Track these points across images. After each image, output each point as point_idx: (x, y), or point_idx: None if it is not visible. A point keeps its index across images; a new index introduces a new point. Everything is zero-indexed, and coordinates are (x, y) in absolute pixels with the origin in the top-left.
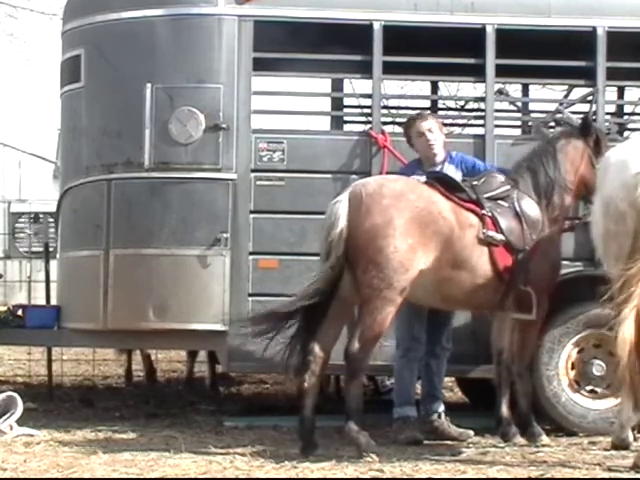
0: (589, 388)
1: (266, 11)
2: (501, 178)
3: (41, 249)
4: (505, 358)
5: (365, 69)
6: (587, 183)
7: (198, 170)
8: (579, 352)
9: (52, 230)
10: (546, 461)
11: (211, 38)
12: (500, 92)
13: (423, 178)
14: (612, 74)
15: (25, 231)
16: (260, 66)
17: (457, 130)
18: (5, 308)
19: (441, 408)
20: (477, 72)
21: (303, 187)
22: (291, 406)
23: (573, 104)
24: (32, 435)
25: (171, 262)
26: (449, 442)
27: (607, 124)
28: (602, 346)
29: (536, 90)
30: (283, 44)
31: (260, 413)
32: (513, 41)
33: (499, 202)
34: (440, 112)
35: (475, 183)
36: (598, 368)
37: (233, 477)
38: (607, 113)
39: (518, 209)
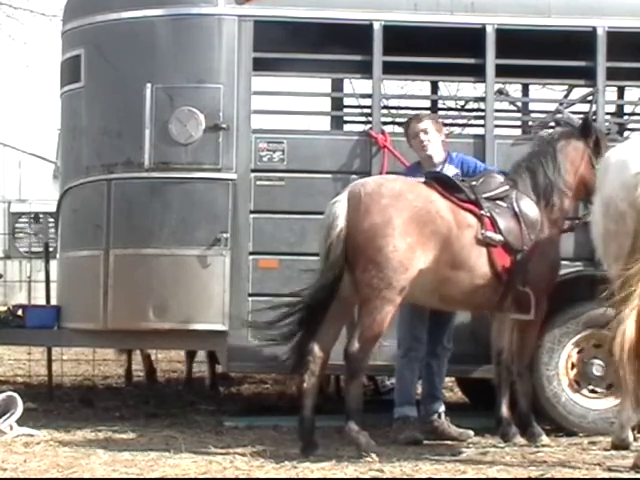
0: (589, 388)
1: (266, 11)
2: (500, 178)
3: (41, 249)
4: (505, 358)
5: (365, 69)
6: (587, 184)
7: (198, 170)
8: (579, 352)
9: (52, 230)
10: (546, 461)
11: (211, 38)
12: (500, 92)
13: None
14: (612, 74)
15: (25, 231)
16: (260, 66)
17: (457, 130)
18: (5, 308)
19: (441, 408)
20: (477, 72)
21: (303, 187)
22: (291, 406)
23: (573, 104)
24: (32, 435)
25: (171, 262)
26: (449, 442)
27: (607, 124)
28: (602, 346)
29: (536, 90)
30: (283, 44)
31: (260, 413)
32: (513, 41)
33: (498, 202)
34: (440, 112)
35: (474, 183)
36: (598, 368)
37: (233, 477)
38: (607, 113)
39: (517, 209)
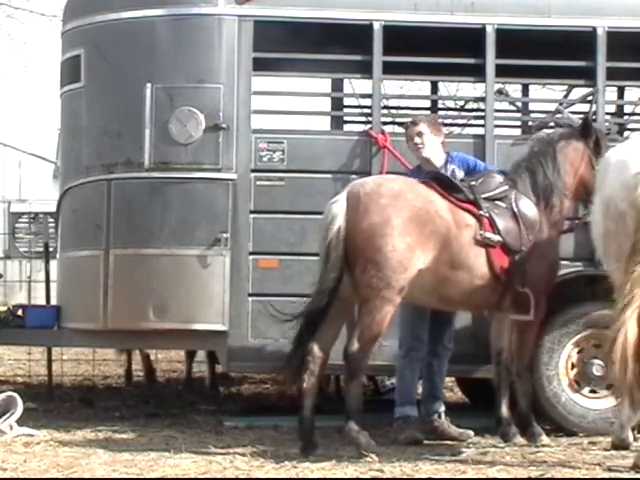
0: (589, 388)
1: (266, 11)
2: (499, 178)
3: (41, 249)
4: (504, 358)
5: (365, 69)
6: (586, 184)
7: (198, 170)
8: (579, 352)
9: (52, 230)
10: (546, 461)
11: (211, 38)
12: (500, 92)
13: None
14: (612, 74)
15: (24, 232)
16: (260, 66)
17: (457, 130)
18: (5, 308)
19: (442, 408)
20: (477, 72)
21: (303, 187)
22: (291, 406)
23: (573, 104)
24: (32, 435)
25: (171, 262)
26: (449, 442)
27: (607, 124)
28: (602, 346)
29: (536, 90)
30: (283, 44)
31: (260, 413)
32: (513, 41)
33: (497, 203)
34: (440, 112)
35: (473, 183)
36: (598, 368)
37: (233, 477)
38: (607, 113)
39: (516, 210)
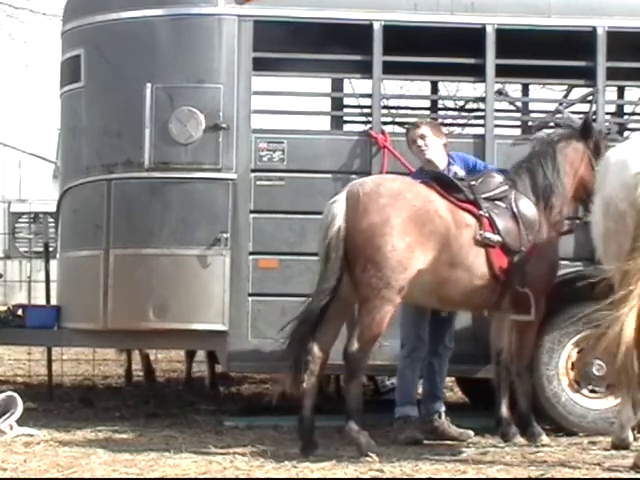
0: (589, 388)
1: (266, 11)
2: (499, 178)
3: (41, 249)
4: (504, 358)
5: (365, 69)
6: (586, 185)
7: (198, 170)
8: (579, 352)
9: (52, 230)
10: (546, 461)
11: (211, 38)
12: (500, 92)
13: None
14: (612, 74)
15: (24, 232)
16: (260, 66)
17: (457, 130)
18: (5, 308)
19: (442, 408)
20: (477, 72)
21: (303, 187)
22: (291, 406)
23: (573, 104)
24: (32, 435)
25: (171, 262)
26: (449, 442)
27: (607, 124)
28: (596, 344)
29: (536, 90)
30: (283, 44)
31: (260, 413)
32: (513, 41)
33: (497, 203)
34: (440, 112)
35: (473, 183)
36: (598, 368)
37: (233, 477)
38: (607, 113)
39: (515, 210)
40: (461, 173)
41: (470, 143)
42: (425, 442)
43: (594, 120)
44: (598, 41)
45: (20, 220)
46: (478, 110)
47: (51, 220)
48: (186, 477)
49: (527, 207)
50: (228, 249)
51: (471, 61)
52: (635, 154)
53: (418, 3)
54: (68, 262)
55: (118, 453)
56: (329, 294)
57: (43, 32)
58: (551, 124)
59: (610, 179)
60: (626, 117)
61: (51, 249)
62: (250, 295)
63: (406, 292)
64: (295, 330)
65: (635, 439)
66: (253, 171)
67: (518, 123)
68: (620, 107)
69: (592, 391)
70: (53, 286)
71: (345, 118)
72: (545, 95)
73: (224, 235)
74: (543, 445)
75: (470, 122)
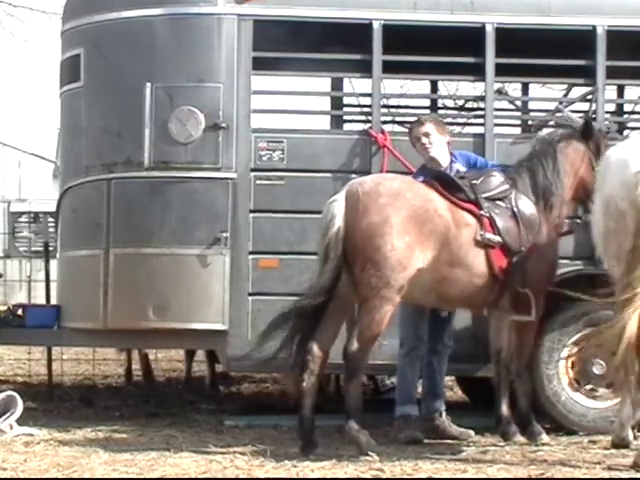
0: (589, 387)
1: (265, 10)
2: (500, 178)
3: (41, 249)
4: (504, 357)
5: (365, 68)
6: (586, 186)
7: (198, 169)
8: (578, 350)
9: (52, 230)
10: (546, 460)
11: (211, 37)
12: (500, 91)
13: None
14: (612, 73)
15: (25, 231)
16: (260, 65)
17: (457, 129)
18: (5, 308)
19: (443, 406)
20: (477, 71)
21: (303, 186)
22: (291, 406)
23: (573, 103)
24: (32, 435)
25: (171, 261)
26: (449, 441)
27: (607, 123)
28: (602, 345)
29: (536, 89)
30: (283, 43)
31: (260, 412)
32: (513, 40)
33: (497, 202)
34: (440, 111)
35: (474, 182)
36: (598, 367)
37: (233, 476)
38: (607, 112)
39: (515, 210)
40: (463, 170)
41: (470, 142)
42: (425, 441)
43: (594, 119)
44: (598, 40)
45: (20, 220)
46: (478, 109)
47: (51, 220)
48: (186, 477)
49: (527, 207)
50: (228, 248)
51: (471, 60)
52: (635, 153)
53: (418, 2)
54: (68, 262)
55: (118, 453)
56: (324, 293)
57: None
58: (551, 123)
59: (610, 178)
60: (626, 116)
61: (51, 249)
62: (250, 295)
63: (406, 291)
64: (291, 332)
65: (635, 438)
66: (253, 170)
67: (518, 122)
68: (620, 106)
69: (592, 390)
70: (53, 286)
71: (345, 117)
72: (545, 94)
73: (224, 234)
74: (543, 444)
75: (470, 121)
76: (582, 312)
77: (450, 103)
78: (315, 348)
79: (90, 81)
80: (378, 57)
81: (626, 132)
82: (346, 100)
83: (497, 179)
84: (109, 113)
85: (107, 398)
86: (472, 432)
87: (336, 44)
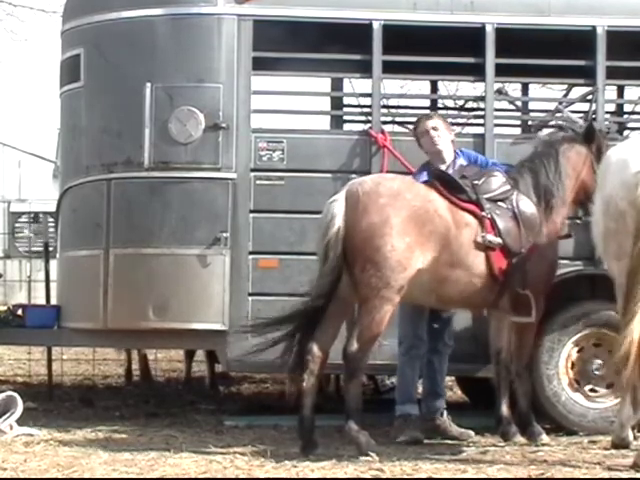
0: (589, 387)
1: (265, 10)
2: (502, 178)
3: (41, 249)
4: (504, 358)
5: (365, 68)
6: (587, 189)
7: (198, 169)
8: (579, 351)
9: (52, 230)
10: (546, 460)
11: (211, 37)
12: (500, 91)
13: None
14: (612, 73)
15: (25, 231)
16: (260, 65)
17: (457, 129)
18: (5, 308)
19: (443, 406)
20: (477, 71)
21: (303, 186)
22: (291, 406)
23: (573, 103)
24: (32, 435)
25: (171, 262)
26: (449, 441)
27: (607, 123)
28: (602, 345)
29: (536, 89)
30: (282, 43)
31: (260, 412)
32: (513, 40)
33: (499, 203)
34: (440, 111)
35: (476, 183)
36: (598, 367)
37: (233, 477)
38: (607, 112)
39: (516, 210)
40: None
41: (470, 142)
42: (425, 441)
43: (594, 120)
44: (598, 40)
45: (20, 220)
46: (478, 109)
47: (51, 220)
48: (186, 477)
49: (528, 208)
50: (228, 249)
51: (471, 60)
52: (635, 153)
53: (418, 2)
54: (68, 262)
55: (118, 453)
56: (326, 295)
57: (43, 30)
58: (551, 123)
59: (610, 178)
60: (626, 116)
61: (51, 249)
62: (250, 295)
63: (405, 292)
64: (294, 333)
65: (635, 438)
66: (253, 170)
67: (518, 122)
68: (620, 106)
69: (592, 390)
70: (53, 286)
71: (345, 117)
72: (545, 94)
73: (224, 235)
74: (543, 444)
75: (470, 121)
76: (582, 312)
77: (450, 103)
78: (315, 348)
79: (90, 81)
80: (378, 57)
81: (626, 132)
82: (346, 100)
83: (499, 179)
84: (109, 113)
85: (107, 398)
86: (472, 433)
87: (336, 44)
